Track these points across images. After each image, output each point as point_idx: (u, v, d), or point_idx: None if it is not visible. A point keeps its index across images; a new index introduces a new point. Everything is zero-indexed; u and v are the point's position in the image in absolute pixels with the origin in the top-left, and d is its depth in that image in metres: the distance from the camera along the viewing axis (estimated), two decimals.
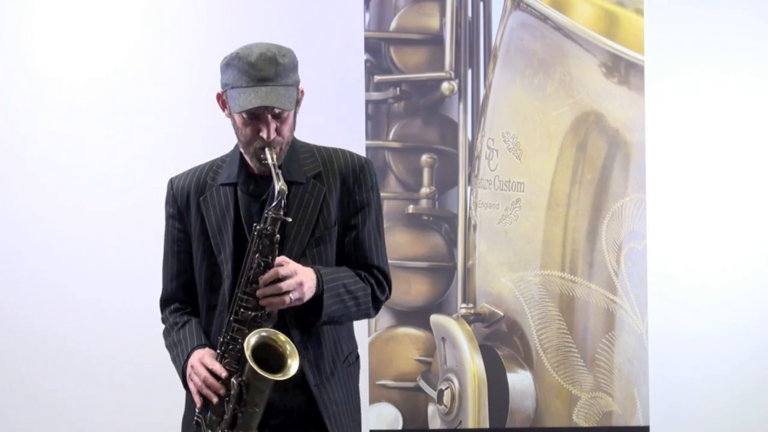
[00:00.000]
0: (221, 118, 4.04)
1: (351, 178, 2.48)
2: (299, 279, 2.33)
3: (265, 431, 2.40)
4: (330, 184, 2.46)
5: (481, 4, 3.84)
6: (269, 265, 2.33)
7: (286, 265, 2.34)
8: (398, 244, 3.83)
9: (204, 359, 2.38)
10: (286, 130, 2.39)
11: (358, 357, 2.61)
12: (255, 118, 2.35)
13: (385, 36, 3.85)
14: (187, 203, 2.51)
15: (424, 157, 3.84)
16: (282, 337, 2.34)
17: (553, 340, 3.82)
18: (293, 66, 2.37)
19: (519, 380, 3.83)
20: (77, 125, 3.97)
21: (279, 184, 2.30)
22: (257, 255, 2.34)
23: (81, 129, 3.97)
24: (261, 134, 2.35)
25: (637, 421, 3.80)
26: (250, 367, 2.29)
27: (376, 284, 2.51)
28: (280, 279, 2.32)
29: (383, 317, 3.83)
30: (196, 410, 2.40)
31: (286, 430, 2.45)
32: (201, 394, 2.37)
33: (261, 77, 2.32)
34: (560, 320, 3.82)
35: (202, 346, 2.44)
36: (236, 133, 2.43)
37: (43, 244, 3.97)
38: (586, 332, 3.82)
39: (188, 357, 2.43)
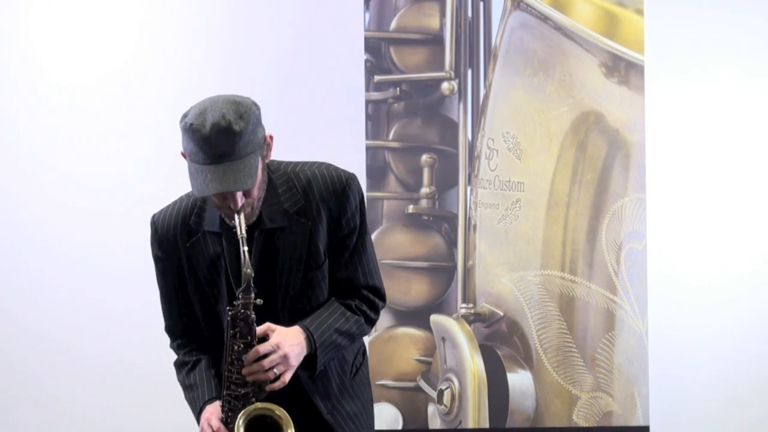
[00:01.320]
0: None
1: (335, 206, 2.39)
2: (282, 353, 2.29)
3: None
4: (313, 216, 2.38)
5: (481, 4, 3.84)
6: (250, 345, 2.29)
7: (270, 335, 2.30)
8: (398, 244, 3.83)
9: (212, 421, 2.36)
10: (254, 191, 2.29)
11: (364, 353, 2.59)
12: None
13: (385, 36, 3.85)
14: (175, 247, 2.43)
15: (424, 157, 3.84)
16: (271, 405, 2.33)
17: (553, 340, 3.82)
18: (252, 126, 2.23)
19: (519, 380, 3.83)
20: (78, 125, 3.97)
21: (244, 269, 2.24)
22: (237, 337, 2.30)
23: (82, 129, 3.97)
24: (228, 203, 2.26)
25: (637, 421, 3.80)
26: None
27: (368, 307, 2.47)
28: (262, 356, 2.28)
29: (383, 317, 3.83)
30: None
31: None
32: None
33: (217, 154, 2.18)
34: (560, 320, 3.82)
35: (213, 399, 2.41)
36: None
37: (44, 245, 3.97)
38: (586, 332, 3.82)
39: (200, 411, 2.42)
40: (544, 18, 3.80)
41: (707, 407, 3.95)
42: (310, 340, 2.34)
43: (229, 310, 2.29)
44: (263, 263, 2.36)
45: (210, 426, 2.36)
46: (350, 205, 2.41)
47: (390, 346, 3.84)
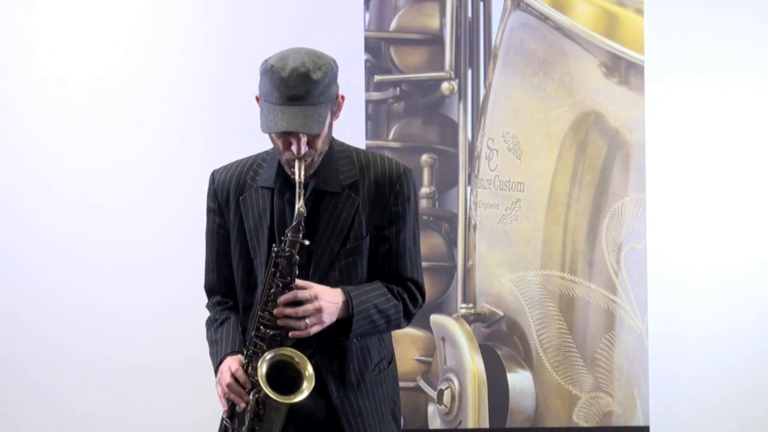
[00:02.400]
0: (224, 118, 4.06)
1: (387, 189, 2.45)
2: (318, 305, 2.31)
3: None
4: (364, 194, 2.43)
5: (481, 4, 3.84)
6: (288, 286, 2.32)
7: (309, 288, 2.32)
8: None
9: (232, 365, 2.38)
10: (318, 143, 2.35)
11: (390, 361, 2.58)
12: (286, 133, 2.31)
13: (385, 36, 3.85)
14: (227, 200, 2.50)
15: (424, 157, 3.84)
16: (302, 356, 2.34)
17: (553, 340, 3.82)
18: (329, 80, 2.31)
19: (519, 380, 3.83)
20: (78, 125, 3.97)
21: (298, 206, 2.28)
22: (277, 275, 2.33)
23: (82, 128, 3.97)
24: (292, 148, 2.32)
25: (637, 421, 3.80)
26: (263, 388, 2.30)
27: (409, 297, 2.49)
28: (298, 303, 2.31)
29: None
30: (224, 415, 2.42)
31: None
32: (226, 398, 2.39)
33: (291, 96, 2.27)
34: (560, 320, 3.82)
35: (235, 353, 2.43)
36: (271, 140, 2.40)
37: (44, 244, 3.97)
38: (586, 332, 3.82)
39: (220, 362, 2.44)
40: (544, 18, 3.80)
41: (707, 407, 3.95)
42: (348, 304, 2.36)
43: (274, 247, 2.32)
44: (306, 222, 2.37)
45: (229, 368, 2.37)
46: (402, 193, 2.46)
47: None
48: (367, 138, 3.83)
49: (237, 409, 2.38)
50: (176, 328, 3.87)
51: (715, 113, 3.95)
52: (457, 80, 3.83)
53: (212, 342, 2.52)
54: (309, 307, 2.31)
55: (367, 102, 3.84)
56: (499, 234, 3.83)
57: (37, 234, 3.97)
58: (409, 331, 3.84)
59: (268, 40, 3.94)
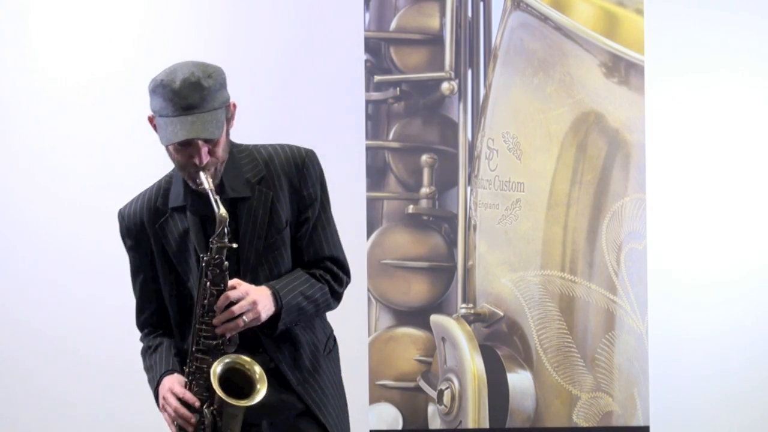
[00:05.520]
0: None
1: (295, 176, 2.47)
2: (251, 299, 2.33)
3: (262, 428, 2.44)
4: (275, 185, 2.45)
5: (481, 4, 3.84)
6: (222, 292, 2.33)
7: (237, 287, 2.34)
8: (398, 244, 3.83)
9: (174, 389, 2.39)
10: (219, 151, 2.37)
11: (335, 339, 2.63)
12: (185, 145, 2.32)
13: (385, 36, 3.85)
14: (143, 232, 2.49)
15: (424, 157, 3.84)
16: (248, 359, 2.36)
17: (553, 340, 3.82)
18: (219, 86, 2.34)
19: (519, 380, 3.83)
20: (78, 125, 3.97)
21: (219, 212, 2.29)
22: (209, 284, 2.34)
23: (82, 128, 3.97)
24: (193, 160, 2.33)
25: (637, 421, 3.80)
26: (218, 395, 2.31)
27: (332, 278, 2.51)
28: (232, 303, 2.32)
29: (383, 317, 3.83)
30: None
31: (281, 425, 2.48)
32: (176, 424, 2.39)
33: (186, 105, 2.28)
34: (560, 320, 3.82)
35: (170, 372, 2.45)
36: (170, 157, 2.41)
37: (44, 244, 3.97)
38: (586, 332, 3.82)
39: (158, 384, 2.45)
40: (544, 18, 3.80)
41: (707, 407, 3.95)
42: (276, 297, 2.38)
43: (203, 256, 2.34)
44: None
45: (170, 391, 2.38)
46: (311, 177, 2.48)
47: (390, 346, 3.84)
48: (367, 138, 3.83)
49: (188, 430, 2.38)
50: None
51: (715, 113, 3.95)
52: (457, 80, 3.83)
53: (148, 368, 2.54)
54: (244, 303, 2.32)
55: (367, 102, 3.84)
56: (499, 234, 3.83)
57: (37, 234, 3.97)
58: (409, 331, 3.84)
59: (268, 40, 3.94)
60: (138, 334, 2.64)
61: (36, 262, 3.97)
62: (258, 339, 2.43)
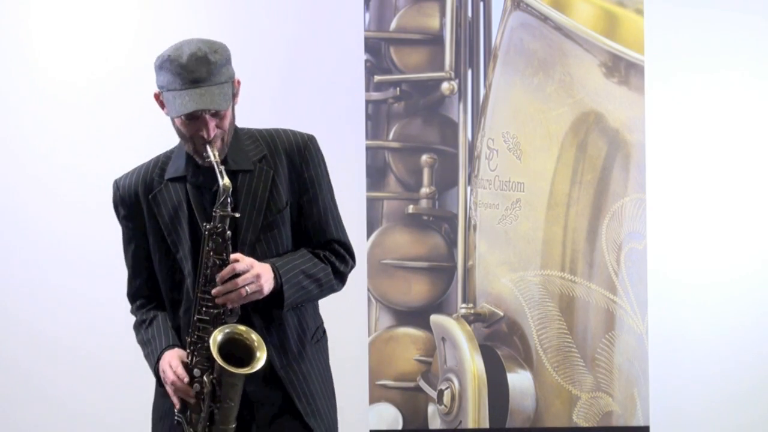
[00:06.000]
0: None
1: (297, 156, 2.50)
2: (255, 272, 2.35)
3: (246, 422, 2.44)
4: (276, 164, 2.48)
5: (481, 4, 3.84)
6: (225, 262, 2.35)
7: (242, 260, 2.36)
8: (398, 244, 3.83)
9: (172, 362, 2.41)
10: (225, 124, 2.41)
11: (324, 331, 2.64)
12: (193, 118, 2.36)
13: (385, 36, 3.85)
14: (136, 203, 2.52)
15: (424, 157, 3.84)
16: (247, 329, 2.37)
17: (553, 340, 3.82)
18: (225, 61, 2.37)
19: (519, 380, 3.83)
20: (78, 125, 3.97)
21: (222, 181, 2.32)
22: (212, 254, 2.36)
23: (82, 128, 3.97)
24: (201, 134, 2.36)
25: (637, 421, 3.81)
26: (218, 363, 2.32)
27: (337, 259, 2.53)
28: (237, 275, 2.34)
29: (383, 317, 3.83)
30: (176, 411, 2.44)
31: (264, 419, 2.49)
32: (177, 396, 2.41)
33: (193, 79, 2.32)
34: (560, 320, 3.82)
35: (171, 346, 2.47)
36: (177, 132, 2.44)
37: (44, 243, 3.97)
38: (586, 332, 3.82)
39: (158, 359, 2.46)
40: (544, 18, 3.80)
41: (707, 407, 3.95)
42: (276, 274, 2.40)
43: (206, 225, 2.36)
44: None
45: (171, 367, 2.40)
46: (312, 159, 2.52)
47: (390, 346, 3.84)
48: (367, 138, 3.83)
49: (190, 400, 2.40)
50: None
51: (715, 113, 3.95)
52: (457, 80, 3.83)
53: (144, 343, 2.54)
54: (248, 275, 2.34)
55: (367, 102, 3.84)
56: (499, 234, 3.83)
57: (37, 234, 3.97)
58: (409, 331, 3.84)
59: (268, 40, 3.94)
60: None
61: (36, 262, 3.98)
62: (249, 318, 2.44)
